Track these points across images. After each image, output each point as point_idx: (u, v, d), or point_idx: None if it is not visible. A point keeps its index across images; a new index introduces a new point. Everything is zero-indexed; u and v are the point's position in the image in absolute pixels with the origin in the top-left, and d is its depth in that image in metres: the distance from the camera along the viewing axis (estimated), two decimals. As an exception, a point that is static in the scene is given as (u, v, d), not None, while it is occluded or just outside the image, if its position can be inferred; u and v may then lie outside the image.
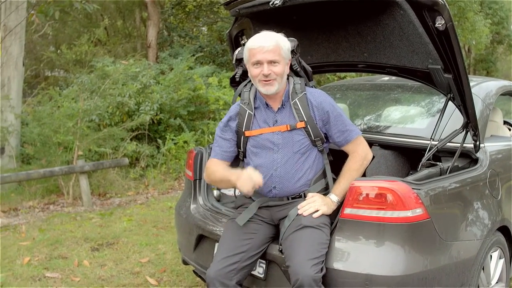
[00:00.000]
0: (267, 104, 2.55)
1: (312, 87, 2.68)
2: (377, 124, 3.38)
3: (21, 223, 5.20)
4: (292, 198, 2.55)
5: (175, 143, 7.54)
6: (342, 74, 9.99)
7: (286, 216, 2.48)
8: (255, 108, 2.57)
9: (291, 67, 2.60)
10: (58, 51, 8.75)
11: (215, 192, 3.30)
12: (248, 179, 2.34)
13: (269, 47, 2.39)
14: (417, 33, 2.49)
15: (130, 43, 12.07)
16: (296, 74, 2.65)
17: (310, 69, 2.73)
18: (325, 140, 2.56)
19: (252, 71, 2.46)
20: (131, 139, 7.22)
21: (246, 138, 2.57)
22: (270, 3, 2.54)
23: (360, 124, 3.42)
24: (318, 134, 2.51)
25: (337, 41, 2.96)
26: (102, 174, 6.64)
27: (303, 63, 2.70)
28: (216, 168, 2.61)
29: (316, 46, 3.07)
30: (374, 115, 3.51)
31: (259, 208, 2.57)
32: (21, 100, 7.03)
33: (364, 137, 2.64)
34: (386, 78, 3.97)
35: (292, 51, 2.55)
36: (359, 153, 2.55)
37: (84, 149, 6.47)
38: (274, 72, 2.41)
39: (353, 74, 9.95)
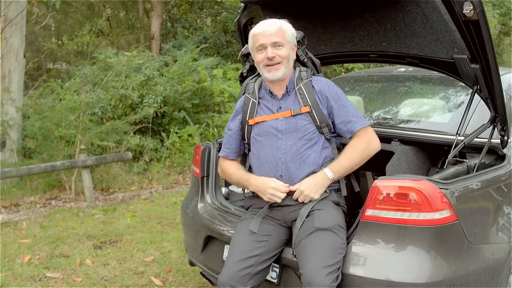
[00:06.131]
0: (271, 93, 2.47)
1: None
2: (396, 118, 3.19)
3: (22, 219, 5.05)
4: None
5: (179, 137, 7.39)
6: (350, 66, 9.77)
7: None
8: (259, 98, 2.51)
9: (298, 59, 2.52)
10: (59, 42, 8.56)
11: (224, 190, 3.13)
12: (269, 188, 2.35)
13: (271, 31, 2.36)
14: (442, 20, 2.33)
15: (133, 35, 11.85)
16: (303, 65, 2.58)
17: (318, 61, 2.66)
18: (332, 129, 2.42)
19: (257, 57, 2.42)
20: (134, 133, 7.07)
21: (250, 127, 2.47)
22: None
23: (377, 118, 3.23)
24: (324, 120, 2.37)
25: (353, 30, 2.78)
26: (105, 168, 6.49)
27: (310, 55, 2.64)
28: (231, 170, 2.59)
29: (331, 35, 2.90)
30: (393, 108, 3.32)
31: (271, 208, 2.41)
32: (22, 92, 6.86)
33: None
34: (402, 69, 3.78)
35: (298, 42, 2.51)
36: (364, 137, 2.39)
37: (86, 143, 6.32)
38: (279, 55, 2.36)
39: (361, 65, 9.74)
